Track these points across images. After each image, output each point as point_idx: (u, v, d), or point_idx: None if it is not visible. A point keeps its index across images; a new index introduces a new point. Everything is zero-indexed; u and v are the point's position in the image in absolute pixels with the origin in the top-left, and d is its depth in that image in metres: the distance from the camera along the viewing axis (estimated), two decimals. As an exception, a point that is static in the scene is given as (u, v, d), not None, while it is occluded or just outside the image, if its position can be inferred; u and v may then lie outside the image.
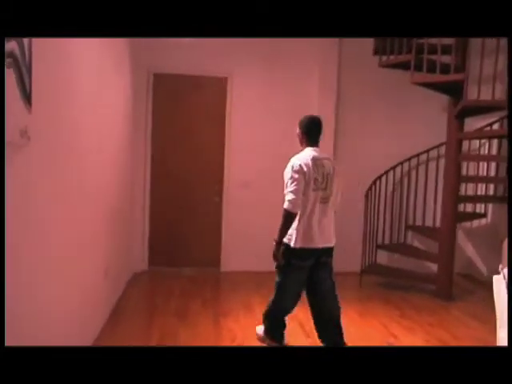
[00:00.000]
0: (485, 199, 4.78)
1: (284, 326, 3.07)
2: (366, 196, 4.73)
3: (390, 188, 4.98)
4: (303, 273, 2.80)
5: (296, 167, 2.70)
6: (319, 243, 2.76)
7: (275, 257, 2.76)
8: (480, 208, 4.94)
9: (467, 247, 5.24)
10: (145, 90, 4.78)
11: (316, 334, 2.97)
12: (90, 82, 2.79)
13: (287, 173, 2.74)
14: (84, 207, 2.75)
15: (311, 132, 2.85)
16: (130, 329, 3.33)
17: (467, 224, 5.12)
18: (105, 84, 3.22)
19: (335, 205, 2.88)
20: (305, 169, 2.69)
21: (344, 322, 3.82)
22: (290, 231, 2.74)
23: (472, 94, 3.93)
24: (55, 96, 2.21)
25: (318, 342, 2.97)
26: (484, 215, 4.86)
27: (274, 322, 3.03)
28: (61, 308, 2.38)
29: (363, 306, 4.11)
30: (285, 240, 2.75)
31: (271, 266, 4.16)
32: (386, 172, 4.86)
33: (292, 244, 2.73)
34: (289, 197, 2.66)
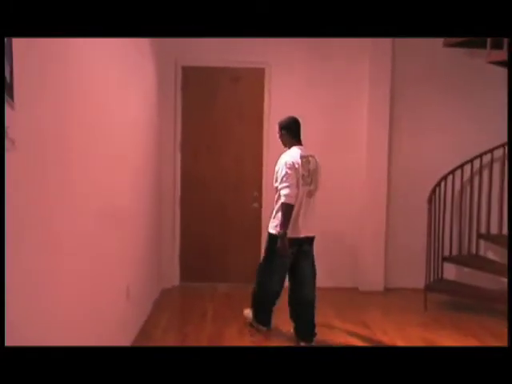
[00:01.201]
0: None
1: (271, 311, 3.41)
2: (430, 200, 4.18)
3: (458, 190, 4.42)
4: (290, 259, 3.20)
5: (289, 164, 3.08)
6: (302, 233, 3.18)
7: (282, 249, 3.11)
8: None
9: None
10: (172, 85, 4.46)
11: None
12: (100, 76, 2.44)
13: (281, 169, 3.11)
14: (100, 220, 2.47)
15: (295, 131, 3.23)
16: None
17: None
18: (120, 78, 2.88)
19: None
20: (296, 166, 3.09)
21: (409, 354, 3.34)
22: (276, 222, 3.15)
23: None
24: (50, 89, 1.84)
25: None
26: None
27: (262, 306, 3.40)
28: (72, 334, 2.06)
29: (430, 333, 3.57)
30: (272, 231, 3.19)
31: (324, 280, 4.01)
32: (453, 171, 4.31)
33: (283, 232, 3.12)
34: (285, 191, 3.06)
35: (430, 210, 4.19)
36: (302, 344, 3.24)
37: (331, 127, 4.60)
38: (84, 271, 2.24)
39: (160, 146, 4.32)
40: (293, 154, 3.14)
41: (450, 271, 4.49)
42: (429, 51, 4.44)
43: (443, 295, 4.28)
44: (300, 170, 3.09)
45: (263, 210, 4.57)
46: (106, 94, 2.57)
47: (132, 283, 3.20)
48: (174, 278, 4.59)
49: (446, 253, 4.39)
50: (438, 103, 4.64)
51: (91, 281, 2.35)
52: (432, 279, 4.24)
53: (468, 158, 4.30)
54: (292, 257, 3.21)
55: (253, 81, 4.54)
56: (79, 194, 2.17)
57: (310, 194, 3.18)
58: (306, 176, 3.13)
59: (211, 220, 4.62)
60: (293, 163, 3.07)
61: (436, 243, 4.26)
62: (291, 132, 3.23)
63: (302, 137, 3.34)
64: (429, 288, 4.18)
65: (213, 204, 4.62)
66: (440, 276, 4.35)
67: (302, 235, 3.19)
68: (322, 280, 4.53)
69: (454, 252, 4.46)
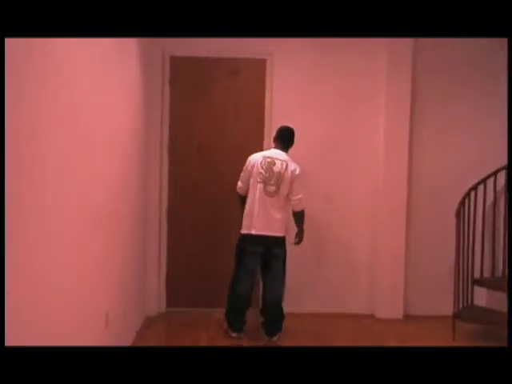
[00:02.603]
0: None
1: (240, 316, 3.79)
2: (458, 214, 4.00)
3: (490, 202, 4.23)
4: (253, 258, 3.70)
5: (247, 162, 3.80)
6: (262, 231, 3.64)
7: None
8: None
9: None
10: (159, 78, 4.29)
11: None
12: (75, 68, 2.28)
13: None
14: (74, 234, 2.31)
15: (277, 139, 3.86)
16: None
17: None
18: (99, 71, 2.68)
19: (295, 204, 3.72)
20: (252, 163, 3.74)
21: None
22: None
23: None
24: (28, 89, 1.72)
25: None
26: None
27: (231, 310, 3.80)
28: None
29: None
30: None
31: (334, 305, 4.51)
32: (484, 180, 4.12)
33: (241, 230, 3.74)
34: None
35: (458, 224, 4.01)
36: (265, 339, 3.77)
37: (342, 126, 4.46)
38: (55, 296, 2.09)
39: (145, 148, 4.13)
40: (259, 154, 3.81)
41: (482, 296, 4.33)
42: (456, 39, 4.25)
43: (473, 324, 4.09)
44: (256, 167, 3.69)
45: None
46: (83, 89, 2.38)
47: (112, 310, 3.05)
48: (159, 303, 4.42)
49: (477, 275, 4.22)
50: (468, 100, 4.49)
51: (63, 308, 2.20)
52: (461, 305, 4.06)
53: (503, 164, 4.13)
54: (259, 257, 3.70)
55: (252, 73, 4.39)
56: (55, 202, 2.05)
57: (270, 194, 3.66)
58: (266, 175, 3.66)
59: (204, 234, 4.42)
60: (249, 161, 3.77)
61: (465, 263, 4.09)
62: (275, 139, 3.88)
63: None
64: (457, 315, 3.99)
65: (206, 216, 4.43)
66: (470, 302, 4.17)
67: (262, 233, 3.65)
68: (332, 305, 4.47)
69: (486, 274, 4.28)
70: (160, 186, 4.37)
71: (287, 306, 4.34)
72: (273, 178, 3.65)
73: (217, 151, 4.42)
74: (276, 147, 3.82)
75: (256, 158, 3.75)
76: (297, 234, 3.84)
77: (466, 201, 4.09)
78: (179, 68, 4.35)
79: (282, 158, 3.72)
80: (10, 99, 1.56)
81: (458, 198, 4.06)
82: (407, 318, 4.43)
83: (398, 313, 4.44)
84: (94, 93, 2.60)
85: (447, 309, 4.04)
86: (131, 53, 3.59)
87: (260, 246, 3.68)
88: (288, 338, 3.82)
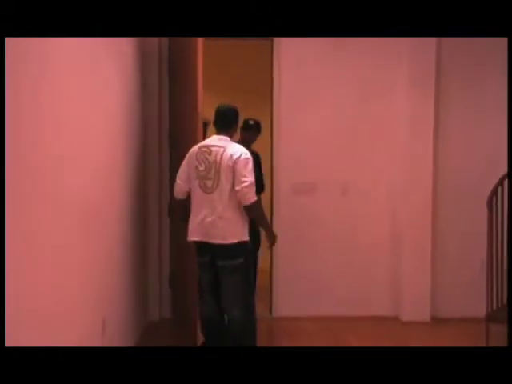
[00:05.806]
0: None
1: (205, 329, 3.45)
2: (489, 204, 3.96)
3: (527, 190, 4.24)
4: (203, 270, 3.34)
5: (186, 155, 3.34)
6: (200, 236, 3.23)
7: None
8: None
9: None
10: (156, 64, 4.34)
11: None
12: (63, 59, 2.32)
13: None
14: (67, 234, 2.39)
15: (214, 122, 3.43)
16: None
17: None
18: (90, 57, 2.72)
19: (240, 196, 3.12)
20: (190, 155, 3.28)
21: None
22: None
23: None
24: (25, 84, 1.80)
25: None
26: None
27: (201, 322, 3.51)
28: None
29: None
30: None
31: (355, 308, 4.54)
32: (519, 166, 4.13)
33: None
34: None
35: (490, 216, 3.96)
36: None
37: (360, 113, 4.50)
38: (47, 299, 2.14)
39: (143, 141, 4.19)
40: (197, 144, 3.36)
41: (519, 295, 4.32)
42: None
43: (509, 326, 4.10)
44: (193, 160, 3.25)
45: (274, 220, 4.43)
46: (70, 79, 2.42)
47: (109, 315, 3.11)
48: (163, 308, 4.49)
49: (513, 271, 4.21)
50: (502, 76, 4.34)
51: (55, 313, 2.24)
52: (494, 306, 4.02)
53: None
54: (207, 269, 3.30)
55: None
56: (49, 201, 2.14)
57: (208, 190, 3.18)
58: (202, 169, 3.20)
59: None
60: (187, 154, 3.32)
61: (499, 259, 4.03)
62: (214, 123, 3.44)
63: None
64: (490, 317, 3.95)
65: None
66: (505, 302, 4.09)
67: (196, 238, 3.26)
68: (352, 307, 4.51)
69: (523, 270, 4.28)
70: (160, 182, 4.43)
71: (303, 310, 4.39)
72: (208, 171, 3.18)
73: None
74: (216, 132, 3.38)
75: (193, 150, 3.31)
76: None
77: (499, 189, 4.04)
78: (178, 52, 4.33)
79: (219, 143, 3.24)
80: (10, 98, 1.65)
81: (490, 187, 4.02)
82: (435, 320, 4.46)
83: (425, 315, 4.46)
84: (86, 86, 2.66)
85: (479, 310, 4.04)
86: (122, 40, 3.62)
87: (206, 255, 3.27)
88: (305, 343, 3.82)
